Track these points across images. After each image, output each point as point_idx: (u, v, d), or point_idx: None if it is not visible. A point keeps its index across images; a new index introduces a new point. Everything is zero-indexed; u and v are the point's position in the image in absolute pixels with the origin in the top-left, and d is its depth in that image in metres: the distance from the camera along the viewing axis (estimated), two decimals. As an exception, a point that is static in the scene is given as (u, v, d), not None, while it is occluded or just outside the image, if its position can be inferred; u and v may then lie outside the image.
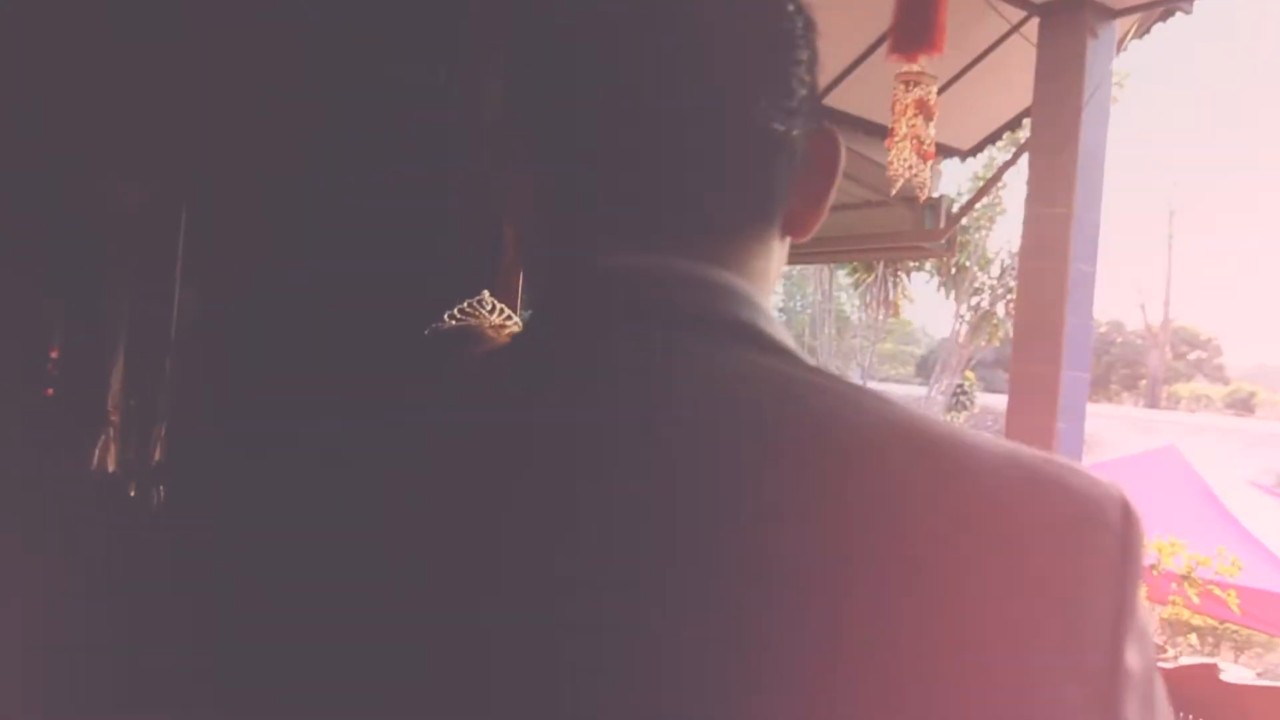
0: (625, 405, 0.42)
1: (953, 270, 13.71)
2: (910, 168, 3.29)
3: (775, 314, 0.51)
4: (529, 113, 0.50)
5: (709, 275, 0.48)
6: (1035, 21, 3.79)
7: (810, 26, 0.53)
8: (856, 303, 16.74)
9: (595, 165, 0.49)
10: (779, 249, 0.55)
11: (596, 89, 0.48)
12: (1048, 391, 3.62)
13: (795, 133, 0.51)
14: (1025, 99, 3.85)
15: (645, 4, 0.48)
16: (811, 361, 0.49)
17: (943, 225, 5.02)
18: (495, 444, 0.42)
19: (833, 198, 0.57)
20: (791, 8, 0.52)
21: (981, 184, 6.67)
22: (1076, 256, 3.63)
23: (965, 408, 16.90)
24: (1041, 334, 3.66)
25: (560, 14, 0.49)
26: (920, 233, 5.10)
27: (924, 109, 3.27)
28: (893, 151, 3.33)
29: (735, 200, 0.50)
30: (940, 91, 4.47)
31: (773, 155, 0.50)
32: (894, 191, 3.44)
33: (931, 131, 3.32)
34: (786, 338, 0.49)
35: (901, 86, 3.34)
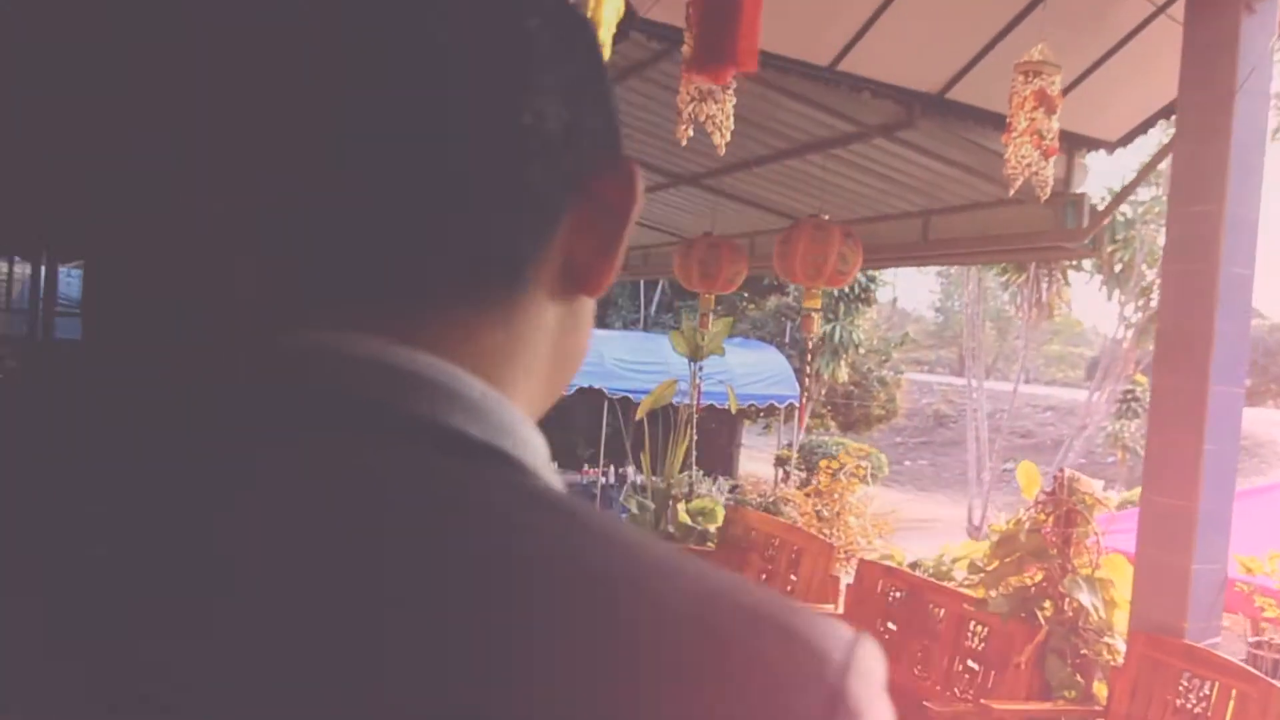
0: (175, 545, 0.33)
1: (1116, 268, 12.75)
2: (1030, 165, 3.03)
3: (497, 398, 0.41)
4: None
5: (389, 358, 0.39)
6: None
7: (566, 42, 0.43)
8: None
9: (277, 211, 0.41)
10: (550, 312, 0.45)
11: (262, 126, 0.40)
12: (1194, 408, 3.26)
13: (541, 173, 0.42)
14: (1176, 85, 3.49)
15: (320, 29, 0.39)
16: (522, 466, 0.39)
17: (1085, 224, 4.64)
18: None
19: (625, 242, 0.47)
20: (533, 23, 0.42)
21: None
22: (1229, 258, 3.25)
23: (1136, 414, 15.81)
24: (1187, 344, 3.30)
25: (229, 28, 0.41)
26: (1061, 232, 4.74)
27: (1045, 101, 3.00)
28: (1010, 148, 3.08)
29: (446, 263, 0.41)
30: (1080, 79, 4.14)
31: (502, 204, 0.41)
32: (1011, 191, 3.18)
33: (1054, 125, 3.05)
34: (495, 434, 0.39)
35: (1020, 78, 3.09)
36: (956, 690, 3.98)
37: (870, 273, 12.72)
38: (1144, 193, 12.12)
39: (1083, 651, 3.73)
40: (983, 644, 3.98)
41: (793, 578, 5.19)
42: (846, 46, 3.97)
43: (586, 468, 11.86)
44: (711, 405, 9.80)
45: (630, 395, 10.17)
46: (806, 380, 9.88)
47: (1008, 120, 3.11)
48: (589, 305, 0.48)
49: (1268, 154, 3.39)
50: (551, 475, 0.41)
